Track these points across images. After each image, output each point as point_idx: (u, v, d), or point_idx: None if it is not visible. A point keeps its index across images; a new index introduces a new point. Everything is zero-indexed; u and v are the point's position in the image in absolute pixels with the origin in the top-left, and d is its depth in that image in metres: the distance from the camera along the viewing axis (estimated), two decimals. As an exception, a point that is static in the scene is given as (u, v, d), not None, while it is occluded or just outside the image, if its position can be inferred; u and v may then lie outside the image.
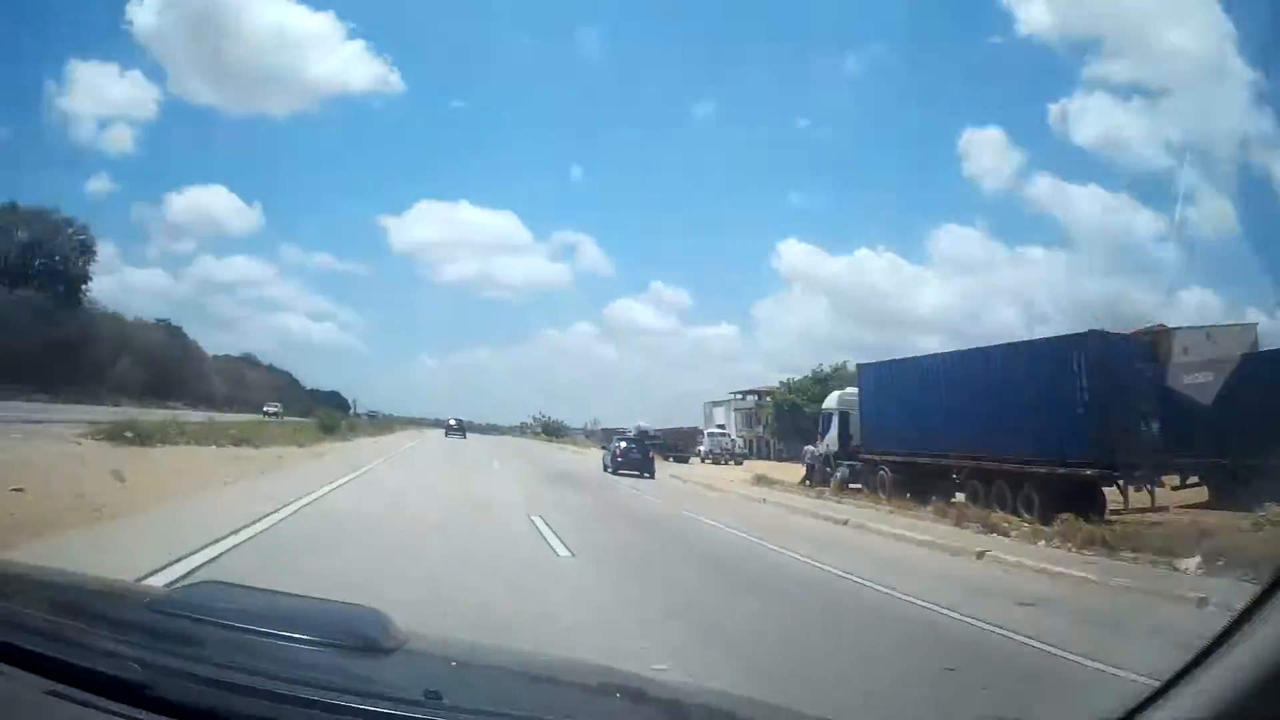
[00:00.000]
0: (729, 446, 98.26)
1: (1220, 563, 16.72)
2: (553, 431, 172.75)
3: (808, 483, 42.98)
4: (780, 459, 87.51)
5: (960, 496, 31.58)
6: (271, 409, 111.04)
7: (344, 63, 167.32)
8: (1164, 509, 26.97)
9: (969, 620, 11.89)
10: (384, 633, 2.78)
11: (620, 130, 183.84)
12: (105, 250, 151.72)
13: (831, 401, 45.08)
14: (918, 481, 33.94)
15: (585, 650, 7.77)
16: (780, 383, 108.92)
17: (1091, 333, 27.51)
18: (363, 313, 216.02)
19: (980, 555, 19.46)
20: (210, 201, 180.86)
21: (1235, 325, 35.09)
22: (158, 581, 9.19)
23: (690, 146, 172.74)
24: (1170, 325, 31.80)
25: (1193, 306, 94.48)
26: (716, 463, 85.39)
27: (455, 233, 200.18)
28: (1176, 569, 17.49)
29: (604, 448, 62.66)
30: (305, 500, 19.30)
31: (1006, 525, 24.75)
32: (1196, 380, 28.01)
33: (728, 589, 13.65)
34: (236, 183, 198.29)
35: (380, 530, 16.22)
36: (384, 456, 45.02)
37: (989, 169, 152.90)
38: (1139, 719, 2.50)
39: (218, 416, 63.91)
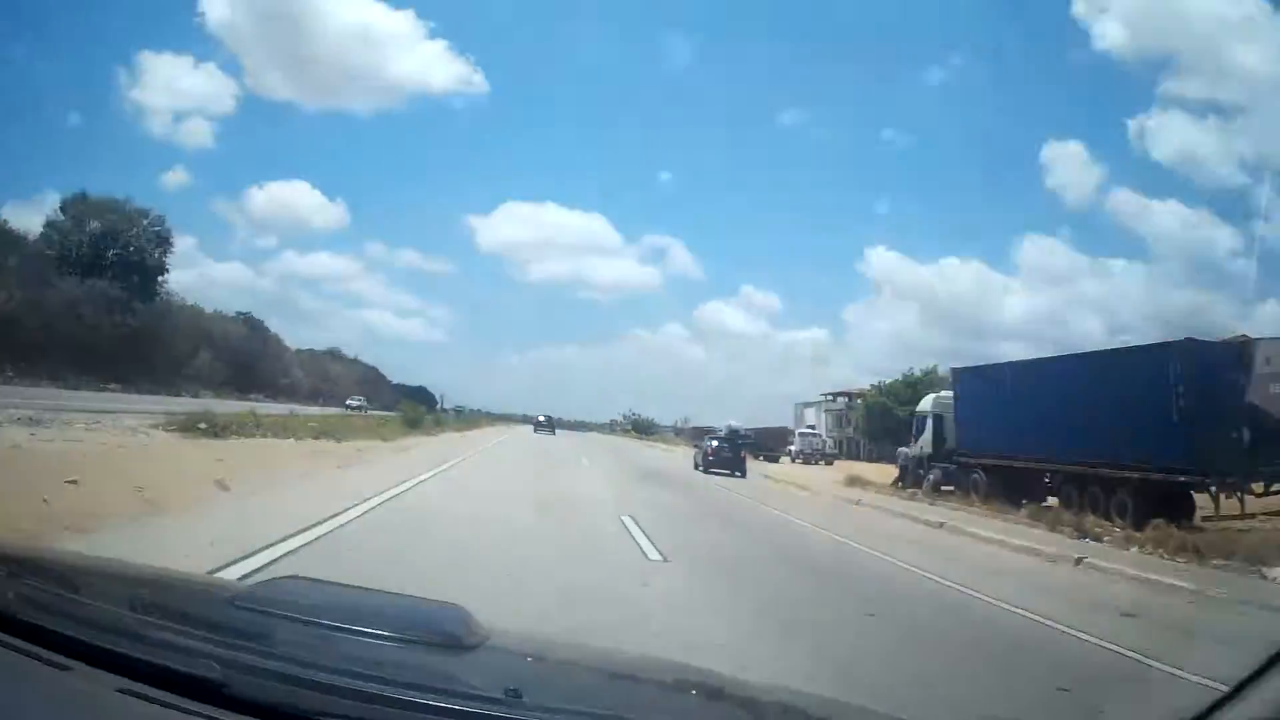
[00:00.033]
0: (819, 446, 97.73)
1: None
2: (642, 429, 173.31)
3: (900, 484, 42.28)
4: (870, 460, 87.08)
5: (1051, 501, 31.28)
6: (354, 402, 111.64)
7: (425, 62, 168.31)
8: (1252, 515, 26.40)
9: (1076, 634, 11.43)
10: (466, 629, 2.78)
11: (709, 135, 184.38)
12: (184, 243, 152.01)
13: (926, 404, 44.45)
14: (1010, 485, 33.36)
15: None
16: (871, 385, 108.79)
17: (1187, 340, 27.07)
18: (450, 310, 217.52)
19: (1078, 562, 19.00)
20: (293, 197, 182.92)
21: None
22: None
23: (778, 153, 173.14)
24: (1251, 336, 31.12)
25: (1269, 319, 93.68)
26: (807, 462, 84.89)
27: (543, 233, 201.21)
28: (1266, 577, 17.52)
29: (695, 446, 61.90)
30: (383, 497, 18.49)
31: (1099, 530, 24.52)
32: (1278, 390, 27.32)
33: (826, 598, 12.89)
34: (319, 179, 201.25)
35: (460, 531, 15.22)
36: (469, 452, 44.12)
37: (1071, 181, 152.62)
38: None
39: (299, 409, 63.96)
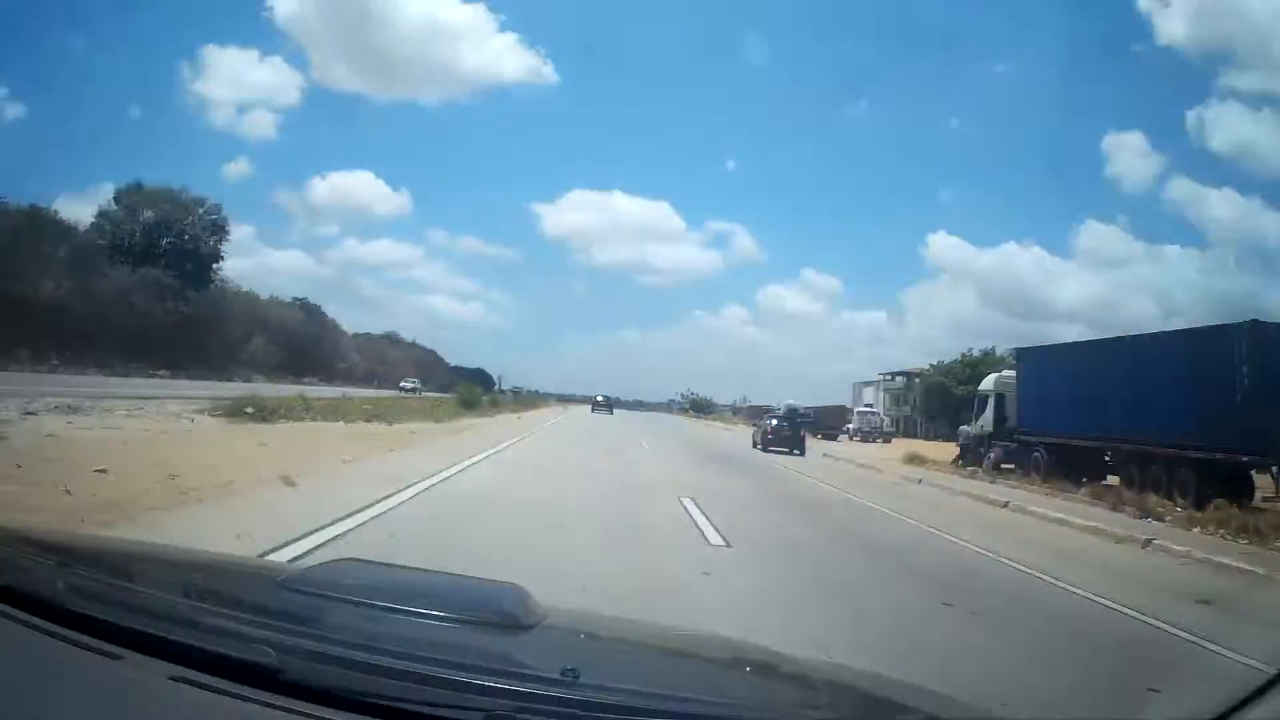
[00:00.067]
0: (877, 424, 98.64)
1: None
2: (701, 409, 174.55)
3: (960, 462, 42.16)
4: (927, 438, 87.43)
5: (1111, 480, 31.46)
6: (409, 384, 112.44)
7: (495, 54, 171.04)
8: (1311, 497, 25.59)
9: (1156, 624, 10.71)
10: (524, 609, 2.75)
11: (776, 125, 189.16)
12: (243, 232, 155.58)
13: (988, 383, 44.55)
14: (1071, 464, 33.29)
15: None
16: (929, 365, 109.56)
17: (1252, 322, 26.47)
18: (511, 294, 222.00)
19: (1146, 544, 18.35)
20: (355, 186, 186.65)
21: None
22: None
23: (844, 142, 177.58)
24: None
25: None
26: (865, 440, 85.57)
27: (608, 220, 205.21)
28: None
29: (754, 425, 61.59)
30: (431, 481, 17.66)
31: (1161, 510, 24.13)
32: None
33: (898, 586, 12.03)
34: (384, 168, 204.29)
35: (511, 518, 14.33)
36: (526, 433, 43.49)
37: (1129, 170, 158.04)
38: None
39: (351, 392, 63.99)
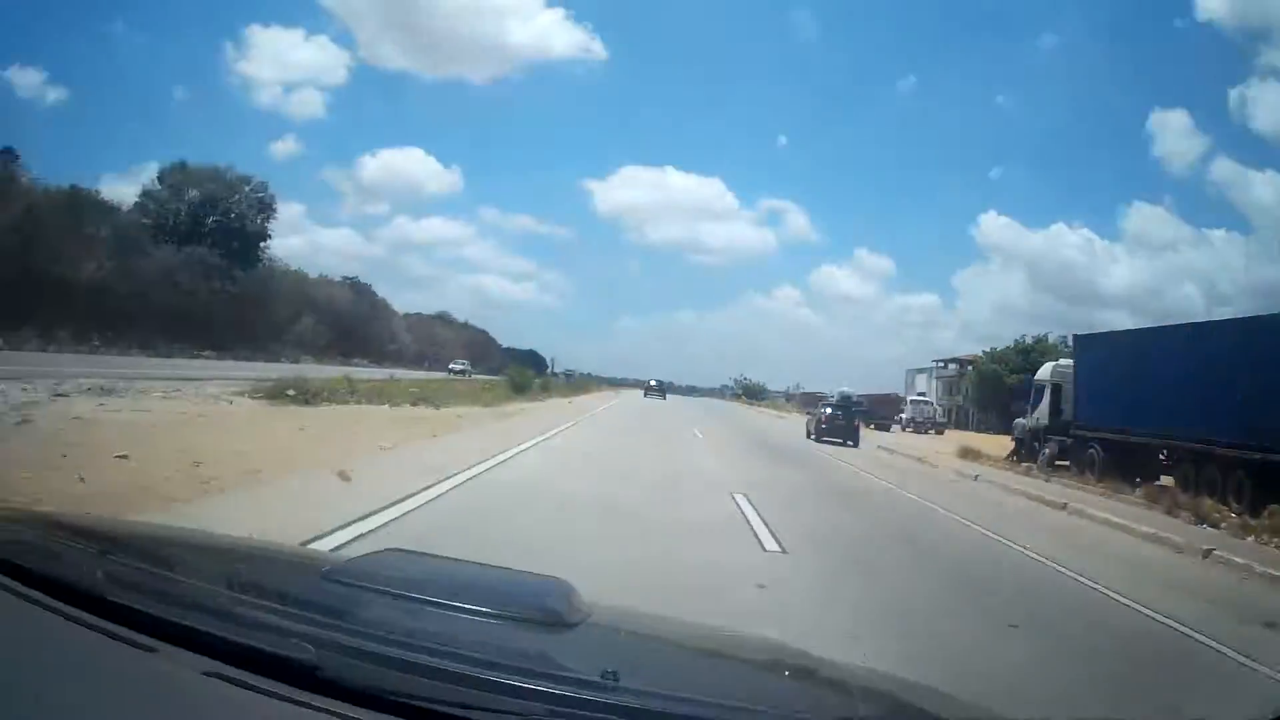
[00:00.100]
0: (930, 414, 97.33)
1: None
2: (752, 394, 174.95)
3: (1015, 458, 41.22)
4: (979, 429, 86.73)
5: (1165, 480, 30.43)
6: (458, 366, 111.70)
7: (543, 30, 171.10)
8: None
9: (1226, 651, 9.95)
10: (568, 606, 2.68)
11: (827, 100, 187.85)
12: (292, 211, 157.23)
13: (1045, 373, 43.06)
14: (1126, 462, 32.19)
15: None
16: (984, 352, 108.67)
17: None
18: (563, 274, 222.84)
19: (1206, 554, 17.53)
20: (406, 164, 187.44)
21: None
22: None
23: (895, 118, 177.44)
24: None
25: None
26: (917, 431, 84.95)
27: (661, 197, 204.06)
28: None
29: (808, 413, 60.84)
30: (473, 472, 16.95)
31: (1217, 516, 23.13)
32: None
33: (964, 604, 11.20)
34: (434, 145, 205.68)
35: (554, 513, 13.58)
36: (575, 419, 42.68)
37: (1176, 150, 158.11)
38: None
39: (399, 374, 64.25)
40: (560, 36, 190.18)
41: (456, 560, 3.46)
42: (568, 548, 10.61)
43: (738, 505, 16.75)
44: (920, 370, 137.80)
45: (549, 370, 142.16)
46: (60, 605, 2.27)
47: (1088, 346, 39.09)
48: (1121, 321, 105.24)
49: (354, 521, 10.56)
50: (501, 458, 20.15)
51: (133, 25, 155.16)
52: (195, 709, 1.98)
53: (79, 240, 67.38)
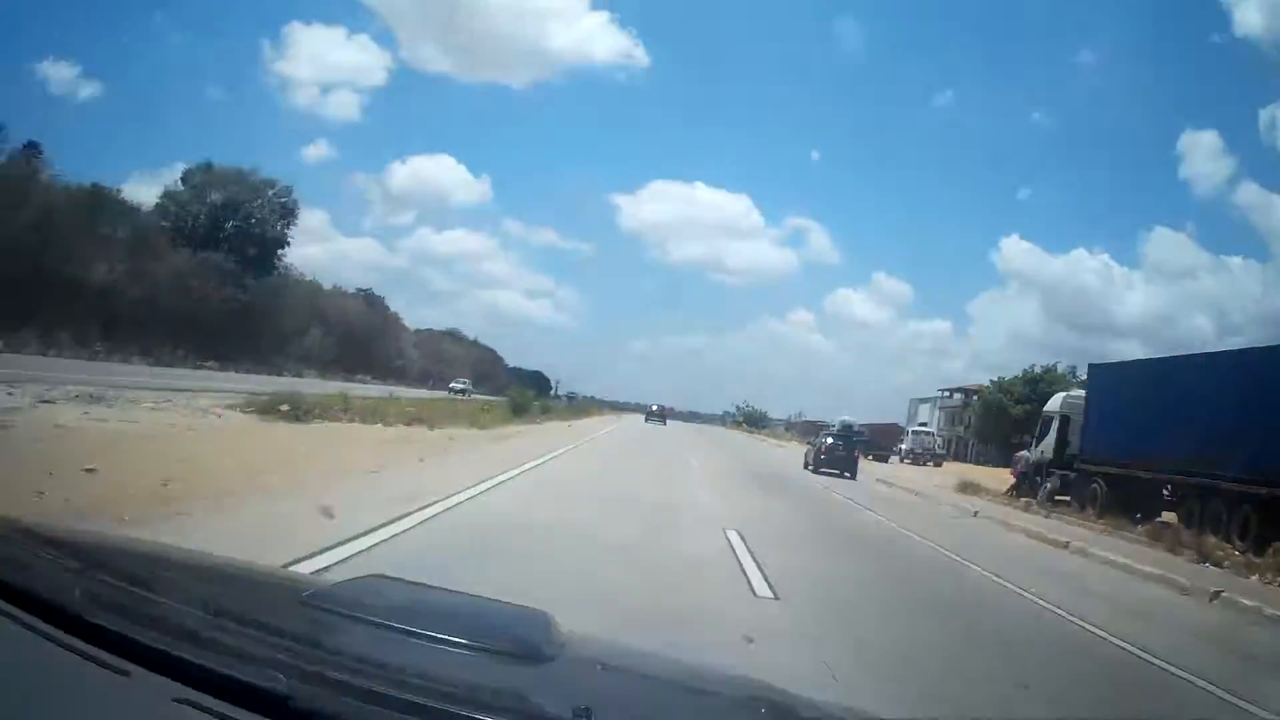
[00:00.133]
0: (930, 446, 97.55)
1: None
2: (753, 422, 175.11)
3: (1015, 493, 41.13)
4: (978, 462, 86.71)
5: (1166, 516, 30.12)
6: (459, 385, 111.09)
7: (587, 34, 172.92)
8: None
9: (1243, 705, 9.70)
10: (547, 638, 2.67)
11: (863, 114, 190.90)
12: (317, 218, 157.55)
13: (1054, 404, 42.97)
14: (1129, 498, 32.04)
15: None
16: (990, 381, 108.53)
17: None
18: (581, 291, 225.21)
19: (1214, 597, 17.31)
20: (435, 172, 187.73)
21: None
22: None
23: (927, 135, 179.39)
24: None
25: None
26: (916, 463, 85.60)
27: (687, 213, 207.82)
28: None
29: (808, 443, 60.37)
30: (452, 501, 16.06)
31: (1220, 554, 23.06)
32: None
33: (972, 660, 10.48)
34: (466, 153, 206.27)
35: (535, 549, 12.88)
36: (572, 444, 42.08)
37: (1203, 173, 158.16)
38: None
39: (400, 391, 63.70)
40: (604, 41, 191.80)
41: (439, 589, 3.39)
42: (544, 589, 9.54)
43: (729, 542, 16.06)
44: (924, 400, 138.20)
45: (553, 392, 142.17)
46: (34, 621, 2.25)
47: (1102, 375, 38.80)
48: (1133, 351, 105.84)
49: (318, 553, 10.05)
50: (486, 485, 19.40)
51: (172, 21, 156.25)
52: None
53: (94, 241, 67.15)
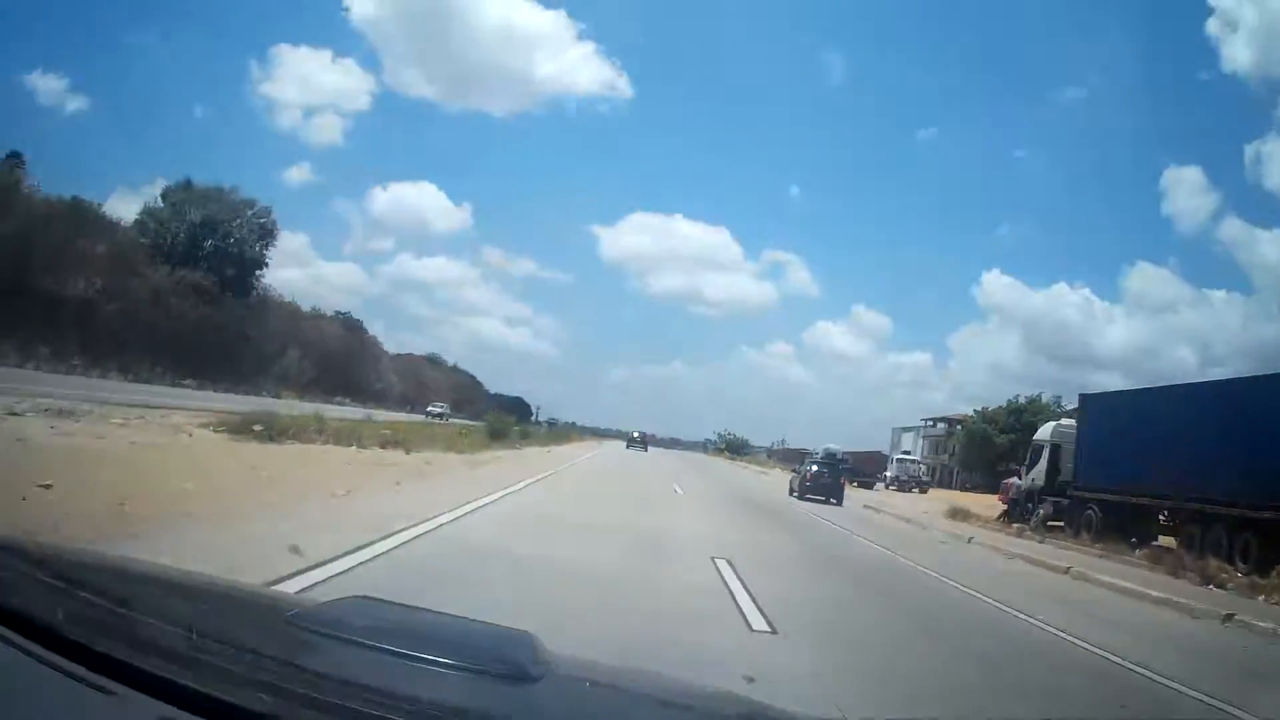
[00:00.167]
0: (915, 473, 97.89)
1: None
2: (735, 449, 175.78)
3: (1007, 519, 41.25)
4: (962, 489, 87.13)
5: (1162, 540, 31.19)
6: (436, 409, 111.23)
7: (572, 64, 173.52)
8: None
9: None
10: (532, 659, 2.60)
11: (845, 150, 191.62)
12: (297, 242, 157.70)
13: (1045, 433, 43.22)
14: (1124, 523, 32.42)
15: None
16: (974, 411, 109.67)
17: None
18: (560, 320, 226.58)
19: (1226, 619, 17.15)
20: (417, 198, 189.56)
21: None
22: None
23: (910, 171, 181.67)
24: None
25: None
26: (901, 489, 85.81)
27: (666, 246, 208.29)
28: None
29: (794, 471, 59.76)
30: (425, 527, 15.13)
31: (1224, 576, 23.22)
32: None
33: (991, 695, 9.78)
34: (447, 180, 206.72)
35: (509, 581, 11.76)
36: (552, 469, 41.44)
37: (1186, 208, 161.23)
38: None
39: (378, 415, 62.78)
40: (587, 71, 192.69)
41: (424, 609, 3.34)
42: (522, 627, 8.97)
43: (719, 573, 15.10)
44: (907, 429, 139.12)
45: (533, 418, 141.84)
46: (18, 639, 2.19)
47: (1094, 405, 39.03)
48: (1114, 383, 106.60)
49: (275, 582, 9.18)
50: (461, 511, 18.41)
51: (162, 39, 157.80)
52: None
53: (72, 255, 66.69)
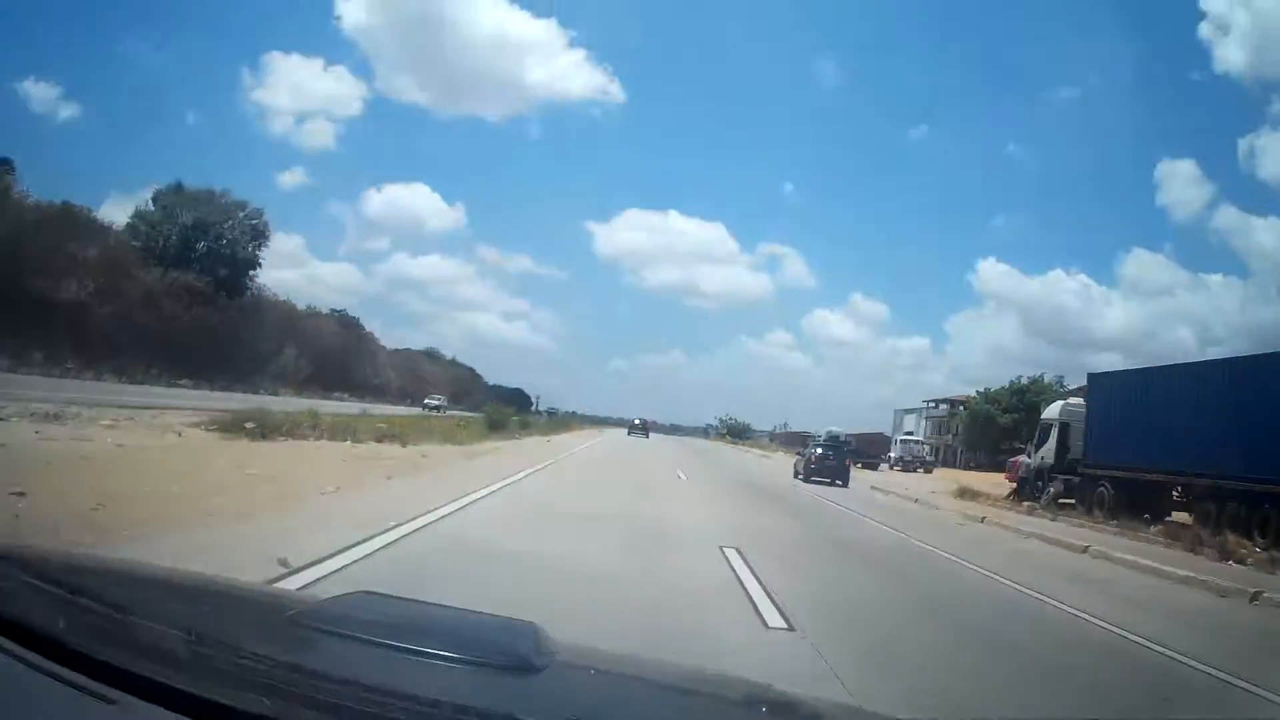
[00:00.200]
0: (919, 453, 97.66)
1: None
2: (738, 434, 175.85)
3: (1017, 497, 41.08)
4: (966, 468, 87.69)
5: (1177, 515, 31.25)
6: (433, 402, 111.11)
7: (563, 70, 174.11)
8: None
9: None
10: (536, 650, 2.59)
11: (838, 147, 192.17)
12: (294, 243, 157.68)
13: (1053, 411, 43.51)
14: (1137, 500, 32.81)
15: None
16: (977, 392, 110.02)
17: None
18: (557, 315, 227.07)
19: (1254, 598, 16.72)
20: (410, 200, 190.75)
21: None
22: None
23: (903, 167, 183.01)
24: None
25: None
26: (906, 470, 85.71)
27: (662, 241, 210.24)
28: None
29: (798, 454, 59.21)
30: (420, 522, 14.37)
31: (1243, 552, 23.12)
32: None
33: (1029, 691, 9.03)
34: (440, 182, 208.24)
35: (506, 578, 11.07)
36: (552, 458, 40.88)
37: (1181, 199, 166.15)
38: None
39: (375, 409, 62.38)
40: (579, 77, 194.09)
41: (427, 603, 3.39)
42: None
43: (729, 563, 14.28)
44: (909, 410, 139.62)
45: (533, 408, 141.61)
46: (17, 649, 2.18)
47: (1101, 384, 39.22)
48: (1114, 364, 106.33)
49: (280, 579, 8.82)
50: (458, 504, 17.70)
51: (155, 46, 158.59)
52: None
53: (63, 259, 66.55)
